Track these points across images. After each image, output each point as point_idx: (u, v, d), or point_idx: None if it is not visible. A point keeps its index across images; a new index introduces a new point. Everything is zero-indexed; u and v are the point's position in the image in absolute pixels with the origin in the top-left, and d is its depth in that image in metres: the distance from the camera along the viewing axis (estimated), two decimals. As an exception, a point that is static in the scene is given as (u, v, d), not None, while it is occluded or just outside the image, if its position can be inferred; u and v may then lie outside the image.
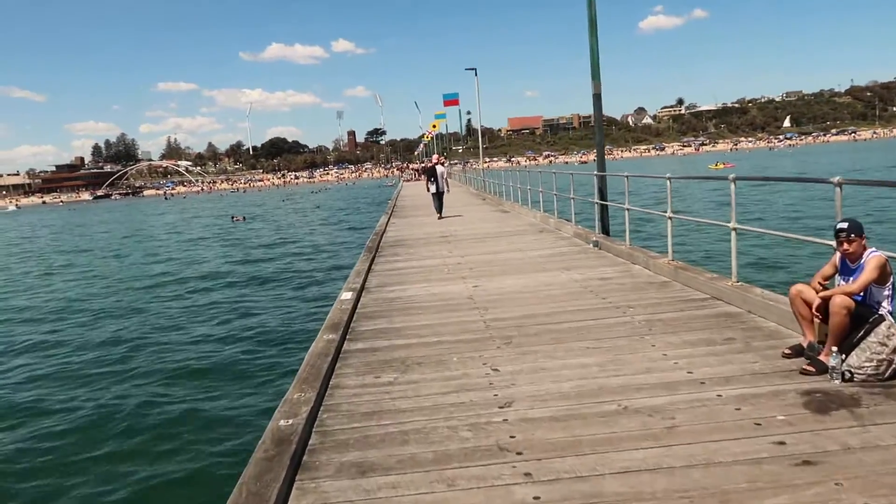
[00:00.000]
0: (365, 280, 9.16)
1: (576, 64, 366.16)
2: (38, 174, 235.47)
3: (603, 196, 11.50)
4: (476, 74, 31.30)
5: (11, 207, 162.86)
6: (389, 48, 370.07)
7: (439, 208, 19.02)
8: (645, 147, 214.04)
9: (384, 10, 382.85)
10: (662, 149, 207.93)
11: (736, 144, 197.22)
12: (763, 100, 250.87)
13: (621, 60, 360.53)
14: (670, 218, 8.11)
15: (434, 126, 67.74)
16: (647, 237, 18.37)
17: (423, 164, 21.88)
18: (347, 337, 6.22)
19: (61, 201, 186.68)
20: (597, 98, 11.30)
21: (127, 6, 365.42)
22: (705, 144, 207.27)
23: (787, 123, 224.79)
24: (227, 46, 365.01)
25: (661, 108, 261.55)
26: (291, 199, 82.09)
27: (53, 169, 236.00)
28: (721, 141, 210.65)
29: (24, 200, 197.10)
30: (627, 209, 9.66)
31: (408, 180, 72.30)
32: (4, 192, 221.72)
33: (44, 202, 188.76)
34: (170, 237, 40.01)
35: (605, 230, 11.49)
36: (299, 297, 16.53)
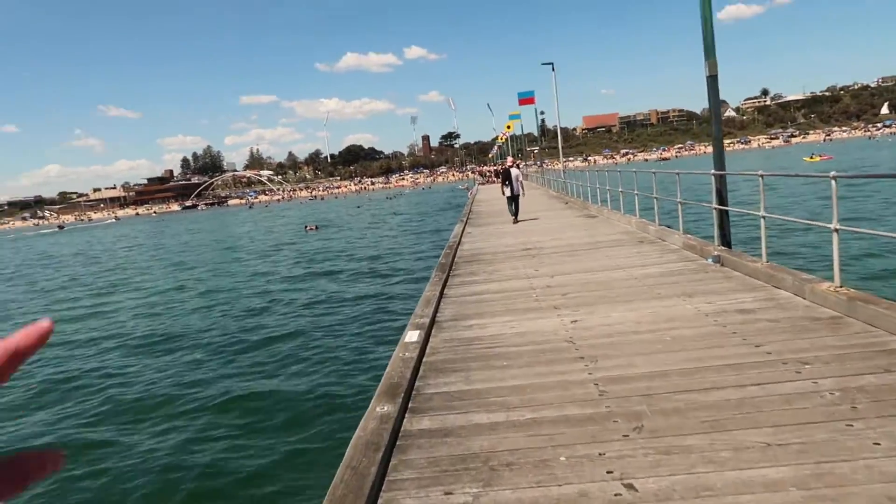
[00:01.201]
0: (436, 311, 7.57)
1: (652, 60, 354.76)
2: (132, 187, 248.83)
3: (722, 199, 9.47)
4: (553, 69, 29.34)
5: (111, 220, 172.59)
6: (461, 52, 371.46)
7: (515, 212, 18.41)
8: (729, 141, 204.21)
9: (455, 15, 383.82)
10: (748, 142, 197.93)
11: (829, 135, 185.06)
12: (856, 87, 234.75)
13: (697, 53, 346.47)
14: (836, 231, 6.10)
15: (508, 127, 65.90)
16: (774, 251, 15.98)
17: (494, 168, 20.18)
18: (410, 405, 4.63)
19: (154, 212, 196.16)
20: (712, 80, 9.30)
21: (209, 28, 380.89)
22: (794, 136, 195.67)
23: (884, 110, 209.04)
24: (303, 59, 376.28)
25: (745, 100, 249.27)
26: (366, 206, 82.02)
27: (145, 182, 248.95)
28: (812, 132, 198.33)
29: (120, 212, 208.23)
30: (764, 217, 7.66)
31: (482, 184, 70.82)
32: (102, 205, 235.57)
33: (137, 213, 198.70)
34: (238, 250, 39.91)
35: (726, 241, 9.46)
36: (359, 329, 13.56)
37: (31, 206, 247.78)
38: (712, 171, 9.39)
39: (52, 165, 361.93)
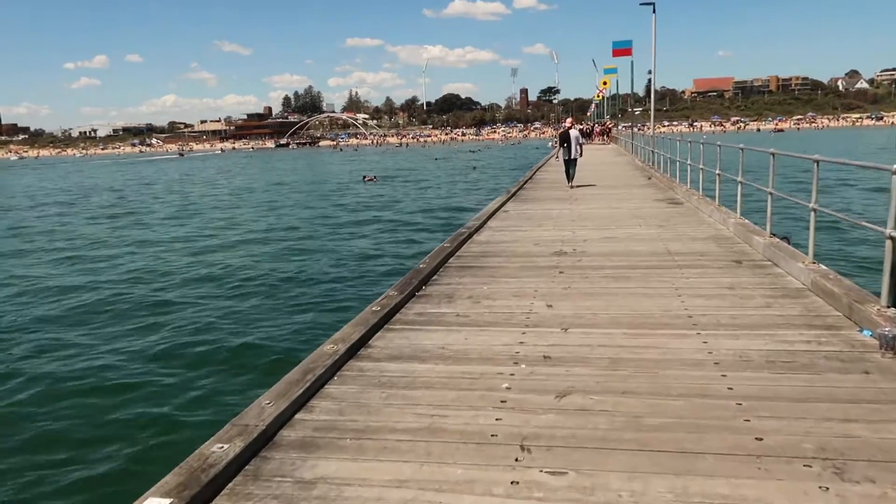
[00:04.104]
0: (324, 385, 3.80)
1: (774, 23, 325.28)
2: (234, 121, 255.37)
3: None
4: (654, 11, 23.96)
5: (217, 151, 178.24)
6: (573, 4, 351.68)
7: (571, 175, 17.25)
8: (857, 115, 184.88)
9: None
10: (881, 118, 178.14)
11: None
12: None
13: (830, 20, 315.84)
14: None
15: (605, 83, 59.64)
16: None
17: (559, 129, 16.74)
18: None
19: (252, 147, 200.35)
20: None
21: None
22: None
23: None
24: (411, 3, 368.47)
25: (881, 72, 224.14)
26: (449, 158, 78.13)
27: (245, 117, 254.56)
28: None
29: (219, 145, 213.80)
30: None
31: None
32: (204, 137, 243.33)
33: (234, 148, 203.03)
34: (286, 195, 37.26)
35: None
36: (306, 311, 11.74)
37: (143, 132, 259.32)
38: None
39: (168, 96, 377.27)
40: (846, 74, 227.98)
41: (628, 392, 3.94)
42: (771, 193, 7.87)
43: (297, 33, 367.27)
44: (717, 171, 10.97)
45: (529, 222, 11.39)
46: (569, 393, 3.96)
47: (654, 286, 6.55)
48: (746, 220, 9.36)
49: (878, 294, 5.13)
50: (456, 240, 9.27)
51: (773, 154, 7.92)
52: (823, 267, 6.39)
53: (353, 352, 4.84)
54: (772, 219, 8.00)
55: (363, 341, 5.07)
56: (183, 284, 14.47)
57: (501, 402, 3.88)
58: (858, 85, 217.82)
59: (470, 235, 9.92)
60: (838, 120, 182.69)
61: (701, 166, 12.67)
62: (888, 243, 4.99)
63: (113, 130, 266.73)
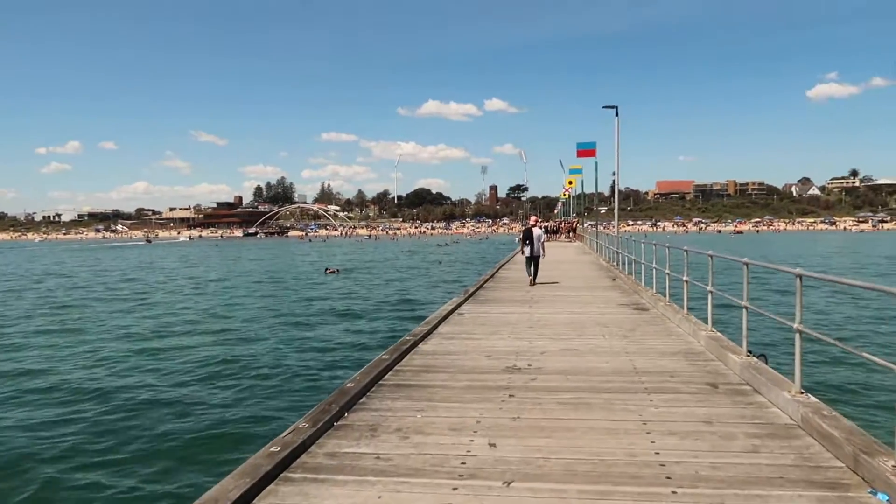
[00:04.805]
0: None
1: (732, 133, 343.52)
2: (203, 209, 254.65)
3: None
4: (617, 114, 24.19)
5: (185, 239, 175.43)
6: (541, 109, 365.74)
7: (533, 273, 17.34)
8: (812, 220, 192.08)
9: (539, 74, 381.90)
10: (833, 223, 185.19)
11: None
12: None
13: (785, 128, 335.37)
14: None
15: (570, 182, 60.79)
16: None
17: (528, 225, 16.11)
18: None
19: (221, 235, 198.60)
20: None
21: (306, 68, 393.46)
22: (886, 221, 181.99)
23: None
24: (387, 103, 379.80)
25: (831, 180, 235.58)
26: (414, 252, 77.73)
27: (214, 206, 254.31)
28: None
29: (186, 233, 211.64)
30: None
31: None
32: (171, 224, 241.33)
33: (200, 236, 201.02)
34: (243, 285, 35.90)
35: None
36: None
37: (109, 218, 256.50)
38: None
39: (140, 182, 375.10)
40: (799, 181, 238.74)
41: None
42: (746, 308, 7.04)
43: (273, 126, 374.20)
44: (685, 278, 10.22)
45: (484, 328, 10.39)
46: None
47: (619, 417, 5.52)
48: (719, 334, 8.51)
49: (890, 444, 4.18)
50: (397, 350, 8.19)
51: (746, 264, 7.15)
52: (814, 399, 5.46)
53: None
54: (747, 336, 7.15)
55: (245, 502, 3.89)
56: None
57: None
58: (811, 191, 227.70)
59: (415, 344, 8.86)
60: (794, 224, 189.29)
61: (667, 271, 11.95)
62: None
63: (78, 215, 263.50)
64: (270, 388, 12.57)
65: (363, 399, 6.26)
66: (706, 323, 8.93)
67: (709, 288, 8.68)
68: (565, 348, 8.61)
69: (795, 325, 5.65)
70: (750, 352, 7.17)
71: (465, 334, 9.86)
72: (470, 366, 7.67)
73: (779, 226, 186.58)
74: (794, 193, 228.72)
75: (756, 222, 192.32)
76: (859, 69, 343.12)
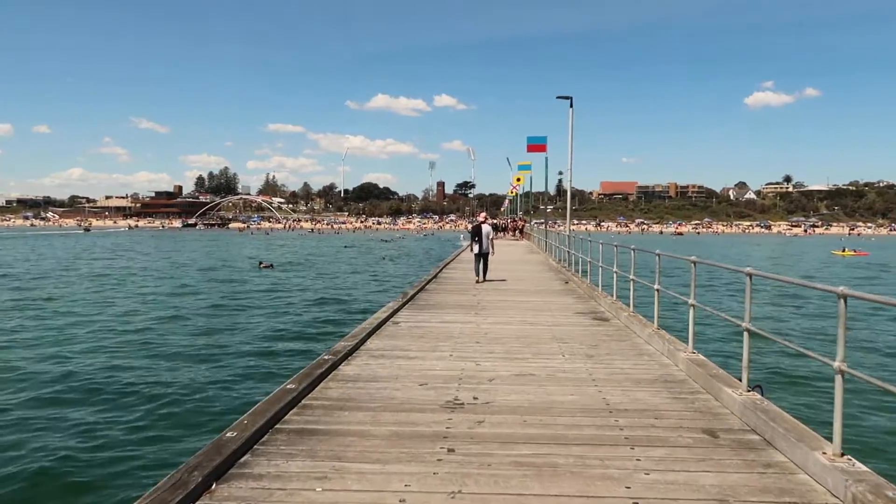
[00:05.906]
0: None
1: (673, 135, 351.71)
2: (140, 198, 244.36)
3: None
4: (571, 105, 22.89)
5: (124, 228, 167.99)
6: (490, 106, 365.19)
7: (482, 271, 16.92)
8: (748, 223, 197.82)
9: (488, 70, 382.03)
10: (769, 226, 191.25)
11: (853, 229, 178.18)
12: (882, 184, 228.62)
13: (722, 134, 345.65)
14: None
15: (518, 180, 59.79)
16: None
17: (472, 223, 15.02)
18: None
19: (162, 226, 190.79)
20: None
21: (249, 54, 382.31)
22: (817, 226, 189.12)
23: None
24: (335, 95, 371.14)
25: (766, 185, 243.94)
26: (356, 247, 75.46)
27: (153, 195, 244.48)
28: (835, 224, 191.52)
29: (122, 222, 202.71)
30: None
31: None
32: (106, 213, 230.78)
33: (137, 226, 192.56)
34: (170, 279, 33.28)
35: None
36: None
37: (39, 205, 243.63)
38: None
39: (75, 169, 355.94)
40: (735, 185, 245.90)
41: None
42: (748, 330, 5.59)
43: (217, 115, 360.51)
44: (657, 287, 8.79)
45: (422, 343, 8.72)
46: None
47: (599, 492, 3.95)
48: (703, 357, 7.07)
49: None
50: (309, 375, 6.43)
51: (749, 275, 5.69)
52: (861, 465, 4.01)
53: None
54: (749, 365, 5.70)
55: None
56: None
57: None
58: (747, 195, 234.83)
59: (334, 366, 7.13)
60: (732, 227, 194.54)
61: (632, 277, 10.53)
62: None
63: (6, 202, 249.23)
64: (131, 421, 10.01)
65: (246, 457, 4.51)
66: (685, 342, 7.51)
67: (690, 301, 7.24)
68: (519, 373, 7.03)
69: (836, 364, 4.18)
70: (750, 387, 5.73)
71: (398, 351, 8.17)
72: (400, 399, 5.99)
73: (717, 228, 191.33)
74: (732, 197, 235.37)
75: (696, 224, 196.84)
76: (793, 78, 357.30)
